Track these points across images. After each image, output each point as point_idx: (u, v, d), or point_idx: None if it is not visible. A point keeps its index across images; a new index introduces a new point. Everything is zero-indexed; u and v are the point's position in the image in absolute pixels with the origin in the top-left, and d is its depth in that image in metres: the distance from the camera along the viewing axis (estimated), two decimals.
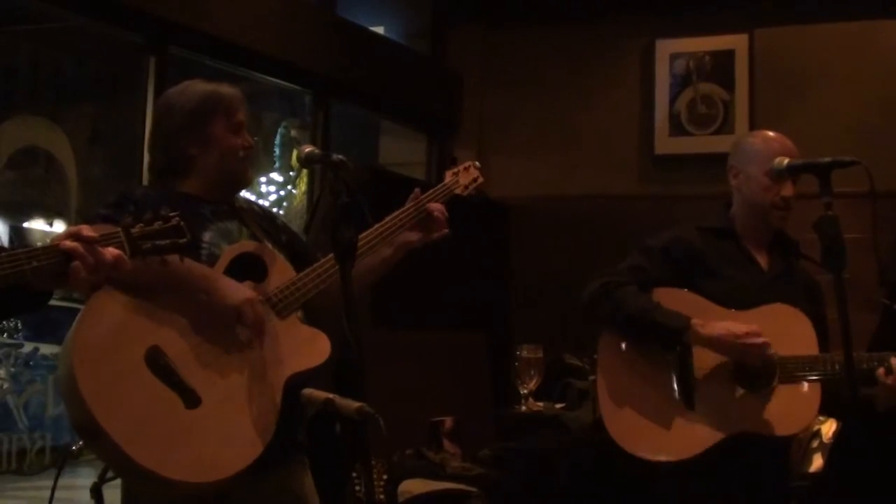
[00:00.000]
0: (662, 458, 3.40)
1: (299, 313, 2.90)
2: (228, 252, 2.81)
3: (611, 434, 3.45)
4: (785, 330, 3.33)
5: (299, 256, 3.07)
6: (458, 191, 3.34)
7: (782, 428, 3.31)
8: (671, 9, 6.58)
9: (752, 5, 6.41)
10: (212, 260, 2.79)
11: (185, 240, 2.37)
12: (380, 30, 6.91)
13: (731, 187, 3.53)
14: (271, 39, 5.39)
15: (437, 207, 3.15)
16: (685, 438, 3.35)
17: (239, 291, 2.73)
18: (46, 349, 9.12)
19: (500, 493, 4.76)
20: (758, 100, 6.28)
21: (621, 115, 6.72)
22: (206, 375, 2.63)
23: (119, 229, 2.25)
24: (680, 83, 6.52)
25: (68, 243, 2.12)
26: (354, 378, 2.64)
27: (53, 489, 2.72)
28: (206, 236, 2.84)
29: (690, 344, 3.34)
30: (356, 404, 2.35)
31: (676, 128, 6.51)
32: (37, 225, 13.94)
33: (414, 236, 3.13)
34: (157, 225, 2.32)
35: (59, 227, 13.96)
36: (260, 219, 3.08)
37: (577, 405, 5.21)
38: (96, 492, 2.65)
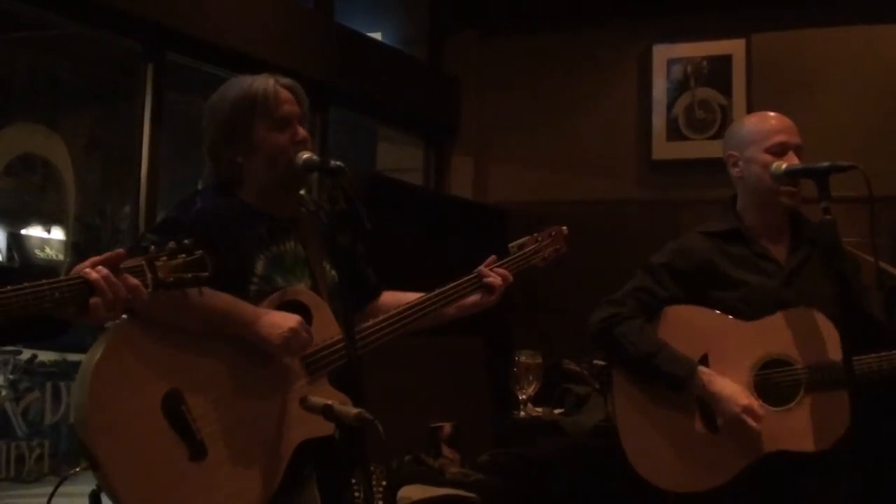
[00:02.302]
0: (691, 488, 3.30)
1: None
2: (275, 297, 2.71)
3: (635, 467, 3.36)
4: (806, 337, 3.23)
5: (355, 276, 2.96)
6: (536, 262, 3.22)
7: (816, 441, 3.20)
8: (668, 14, 6.58)
9: (749, 10, 6.41)
10: (260, 297, 2.70)
11: (206, 273, 2.34)
12: (377, 36, 6.90)
13: (733, 179, 3.43)
14: (269, 45, 5.38)
15: (495, 279, 3.03)
16: (712, 465, 3.26)
17: (282, 321, 2.64)
18: (45, 356, 9.10)
19: (498, 498, 4.75)
20: (755, 104, 6.26)
21: (619, 120, 6.71)
22: (219, 429, 2.58)
23: (142, 262, 2.24)
24: (677, 88, 6.52)
25: (93, 273, 2.11)
26: (353, 384, 2.63)
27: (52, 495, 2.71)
28: (259, 267, 2.73)
29: (696, 393, 3.26)
30: (355, 410, 2.35)
31: (674, 133, 6.51)
32: (35, 232, 13.93)
33: (473, 300, 3.04)
34: (181, 258, 2.30)
35: (57, 233, 13.96)
36: (324, 228, 2.94)
37: (575, 411, 5.21)
38: (94, 499, 2.64)
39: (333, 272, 2.89)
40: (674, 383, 3.28)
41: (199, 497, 2.54)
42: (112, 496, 2.47)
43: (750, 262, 3.36)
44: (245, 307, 2.64)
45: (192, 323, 2.56)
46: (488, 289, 3.02)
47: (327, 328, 2.76)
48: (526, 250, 3.19)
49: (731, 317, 3.32)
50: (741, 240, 3.39)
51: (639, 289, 3.41)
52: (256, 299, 2.69)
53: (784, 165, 3.24)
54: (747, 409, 3.19)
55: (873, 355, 3.18)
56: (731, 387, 3.23)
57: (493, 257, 3.08)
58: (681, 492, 3.34)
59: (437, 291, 2.96)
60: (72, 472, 2.73)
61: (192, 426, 2.53)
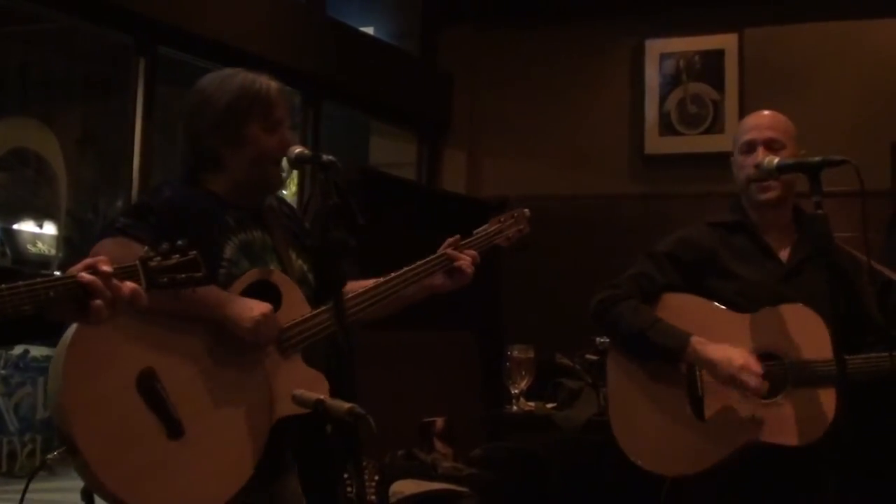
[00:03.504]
0: (674, 471, 3.38)
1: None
2: (246, 277, 2.72)
3: (623, 449, 3.43)
4: (796, 333, 3.25)
5: (320, 268, 2.98)
6: (499, 241, 3.21)
7: (798, 436, 3.20)
8: (661, 9, 6.59)
9: (741, 5, 6.42)
10: (229, 280, 2.70)
11: (200, 274, 2.34)
12: (370, 30, 6.90)
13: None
14: (261, 40, 5.38)
15: (465, 262, 3.03)
16: (697, 450, 3.31)
17: (252, 309, 2.66)
18: (37, 351, 9.07)
19: (491, 493, 4.76)
20: (747, 99, 6.28)
21: (611, 114, 6.72)
22: (195, 406, 2.59)
23: (136, 262, 2.24)
24: (670, 83, 6.53)
25: (87, 277, 2.10)
26: (345, 379, 2.63)
27: (23, 497, 2.71)
28: (227, 251, 2.74)
29: (691, 363, 3.31)
30: (347, 405, 2.35)
31: (666, 127, 6.52)
32: (27, 227, 13.90)
33: (439, 280, 3.04)
34: (174, 259, 2.30)
35: (50, 228, 13.94)
36: (288, 221, 2.99)
37: (568, 405, 5.21)
38: (87, 494, 2.64)
39: (300, 262, 2.92)
40: (668, 355, 3.33)
41: (179, 474, 2.55)
42: (91, 478, 2.47)
43: (751, 255, 3.40)
44: (216, 290, 2.65)
45: (165, 305, 2.56)
46: (457, 271, 3.03)
47: (297, 308, 2.78)
48: (489, 230, 3.20)
49: (725, 308, 3.35)
50: (746, 232, 3.43)
51: (639, 274, 3.47)
52: (225, 283, 2.70)
53: (776, 160, 3.24)
54: (744, 368, 3.20)
55: (860, 356, 3.18)
56: (724, 350, 3.25)
57: (457, 237, 3.07)
58: (660, 473, 3.40)
59: (402, 270, 2.96)
60: (49, 457, 2.72)
61: (167, 404, 2.54)
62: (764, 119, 3.41)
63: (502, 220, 3.25)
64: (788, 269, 3.38)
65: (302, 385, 2.70)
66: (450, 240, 3.07)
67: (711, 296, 3.38)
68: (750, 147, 3.36)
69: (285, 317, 2.75)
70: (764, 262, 3.39)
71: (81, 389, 2.46)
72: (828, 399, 3.17)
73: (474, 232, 3.19)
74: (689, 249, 3.45)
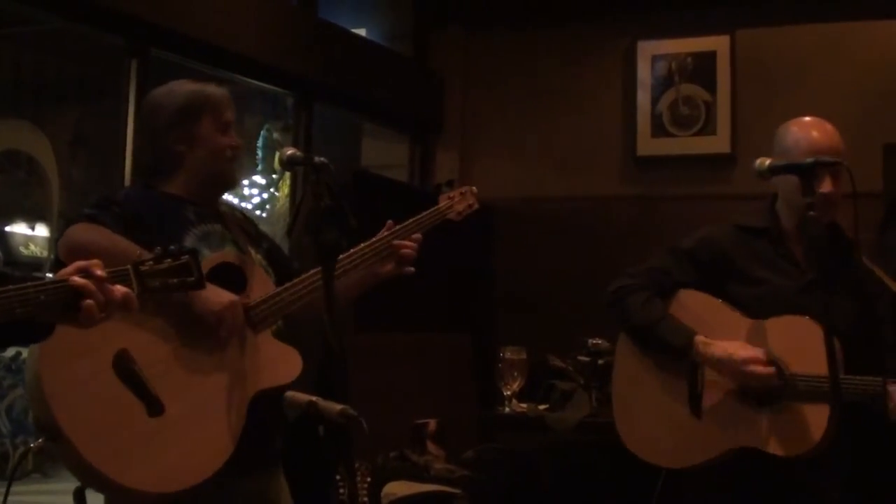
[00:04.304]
0: (664, 463, 3.44)
1: (275, 325, 2.89)
2: (210, 260, 2.77)
3: (619, 434, 3.50)
4: (798, 345, 3.22)
5: (278, 265, 3.08)
6: (451, 216, 3.33)
7: (786, 447, 3.20)
8: (653, 10, 6.58)
9: (733, 7, 6.41)
10: None
11: (193, 279, 2.35)
12: (362, 32, 6.89)
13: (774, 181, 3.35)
14: (253, 42, 5.38)
15: (409, 245, 3.11)
16: (688, 447, 3.35)
17: (220, 296, 2.72)
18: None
19: (483, 494, 4.76)
20: (739, 101, 6.28)
21: (604, 116, 6.71)
22: (172, 384, 2.62)
23: (128, 267, 2.24)
24: (662, 84, 6.52)
25: (79, 280, 2.10)
26: (338, 380, 2.64)
27: (5, 498, 2.72)
28: (188, 240, 2.82)
29: (695, 362, 3.32)
30: (339, 407, 2.36)
31: (658, 129, 6.51)
32: (19, 229, 13.88)
33: (386, 267, 3.11)
34: (166, 263, 2.30)
35: (41, 230, 13.92)
36: (242, 223, 3.09)
37: (560, 406, 5.21)
38: (79, 496, 2.64)
39: (259, 256, 3.02)
40: (673, 352, 3.36)
41: (163, 451, 2.59)
42: (76, 460, 2.49)
43: (771, 262, 3.37)
44: None
45: None
46: (400, 258, 3.10)
47: (263, 286, 2.88)
48: (440, 206, 3.32)
49: (737, 312, 3.35)
50: (770, 237, 3.39)
51: (656, 267, 3.50)
52: None
53: (768, 161, 3.22)
54: (747, 361, 3.23)
55: (856, 377, 3.12)
56: (725, 347, 3.27)
57: (390, 223, 3.14)
58: (651, 463, 3.45)
59: (347, 252, 3.00)
60: (32, 445, 2.73)
61: (145, 383, 2.57)
62: (832, 143, 3.32)
63: (452, 196, 3.38)
64: (810, 279, 3.30)
65: (275, 358, 2.83)
66: (387, 226, 3.14)
67: (730, 300, 3.38)
68: (764, 176, 3.22)
69: (254, 294, 2.84)
70: (786, 269, 3.36)
71: (59, 375, 2.49)
72: (820, 415, 3.15)
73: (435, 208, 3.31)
74: (708, 250, 3.44)
